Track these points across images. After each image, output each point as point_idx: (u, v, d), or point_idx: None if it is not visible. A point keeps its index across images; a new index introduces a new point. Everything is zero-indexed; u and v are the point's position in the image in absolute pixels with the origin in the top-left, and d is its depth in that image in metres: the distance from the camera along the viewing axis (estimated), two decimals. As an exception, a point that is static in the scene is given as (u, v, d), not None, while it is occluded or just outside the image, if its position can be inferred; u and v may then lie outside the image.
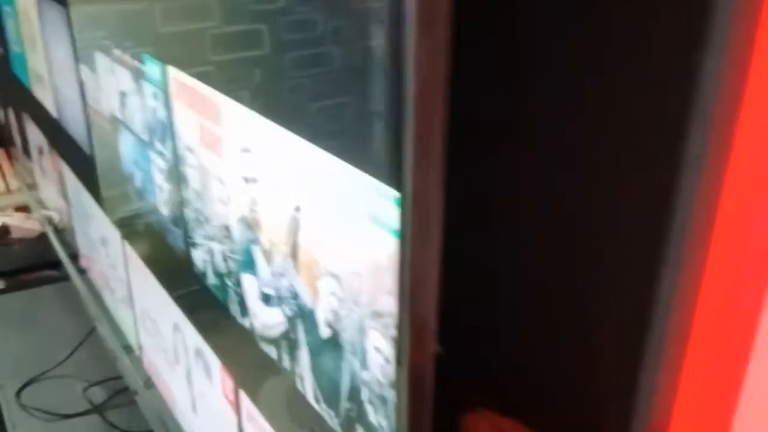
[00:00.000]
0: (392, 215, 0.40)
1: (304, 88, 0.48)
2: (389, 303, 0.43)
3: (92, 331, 1.68)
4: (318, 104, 0.47)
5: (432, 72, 0.35)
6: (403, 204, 0.39)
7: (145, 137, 0.81)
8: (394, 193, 0.39)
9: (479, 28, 0.46)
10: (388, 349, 0.44)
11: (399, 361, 0.43)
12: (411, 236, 0.39)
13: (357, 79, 0.41)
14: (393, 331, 0.43)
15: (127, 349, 1.27)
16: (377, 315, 0.44)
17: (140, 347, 1.15)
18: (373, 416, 0.48)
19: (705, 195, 0.38)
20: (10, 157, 2.42)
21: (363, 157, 0.42)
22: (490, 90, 0.49)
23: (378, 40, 0.38)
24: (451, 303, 0.42)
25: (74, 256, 1.64)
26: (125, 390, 1.57)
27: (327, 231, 0.47)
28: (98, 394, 1.64)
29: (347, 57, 0.43)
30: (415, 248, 0.39)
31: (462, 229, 0.43)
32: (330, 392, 0.53)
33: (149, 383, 1.17)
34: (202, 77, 0.62)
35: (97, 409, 1.59)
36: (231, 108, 0.57)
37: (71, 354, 1.71)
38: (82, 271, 1.57)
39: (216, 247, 0.68)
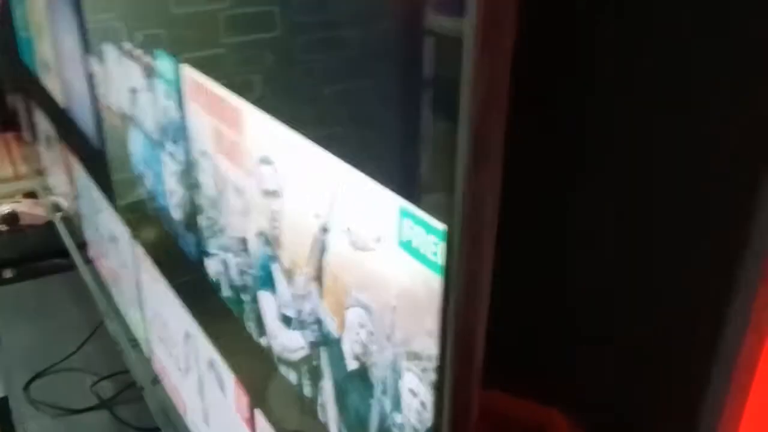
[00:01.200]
0: (436, 250, 0.35)
1: (344, 102, 0.43)
2: (428, 345, 0.38)
3: (101, 323, 1.65)
4: (358, 121, 0.42)
5: (492, 93, 0.30)
6: (450, 239, 0.34)
7: (156, 137, 0.76)
8: (440, 226, 0.35)
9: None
10: (426, 395, 0.39)
11: (438, 411, 0.38)
12: (458, 276, 0.34)
13: (405, 96, 0.36)
14: (432, 376, 0.38)
15: (134, 343, 1.24)
16: (414, 356, 0.39)
17: (150, 349, 1.11)
18: (406, 462, 0.43)
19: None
20: (19, 141, 2.38)
21: (406, 183, 0.37)
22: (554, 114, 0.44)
23: (432, 57, 0.33)
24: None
25: (81, 245, 1.60)
26: (134, 385, 1.54)
27: (358, 258, 0.43)
28: (107, 389, 1.60)
29: (394, 71, 0.38)
30: (462, 289, 0.35)
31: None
32: (356, 429, 0.49)
33: (156, 381, 1.13)
34: (222, 79, 0.57)
35: (106, 405, 1.56)
36: (253, 115, 0.52)
37: (80, 347, 1.68)
38: (89, 261, 1.54)
39: (231, 259, 0.64)
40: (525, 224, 0.43)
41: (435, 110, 0.34)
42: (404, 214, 0.37)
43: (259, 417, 0.68)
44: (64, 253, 1.97)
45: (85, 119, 1.11)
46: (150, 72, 0.73)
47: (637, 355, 0.44)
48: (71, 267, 1.98)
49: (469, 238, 0.33)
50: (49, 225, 2.00)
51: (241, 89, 0.53)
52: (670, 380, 0.42)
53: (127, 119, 0.86)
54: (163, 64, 0.68)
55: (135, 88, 0.79)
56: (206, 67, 0.59)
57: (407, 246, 0.37)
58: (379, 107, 0.39)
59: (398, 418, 0.43)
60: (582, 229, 0.46)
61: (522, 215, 0.38)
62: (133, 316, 1.18)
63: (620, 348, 0.45)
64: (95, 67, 0.96)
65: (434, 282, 0.36)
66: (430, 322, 0.37)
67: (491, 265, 0.34)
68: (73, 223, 1.63)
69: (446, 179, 0.34)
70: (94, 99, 1.00)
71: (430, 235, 0.35)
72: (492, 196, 0.33)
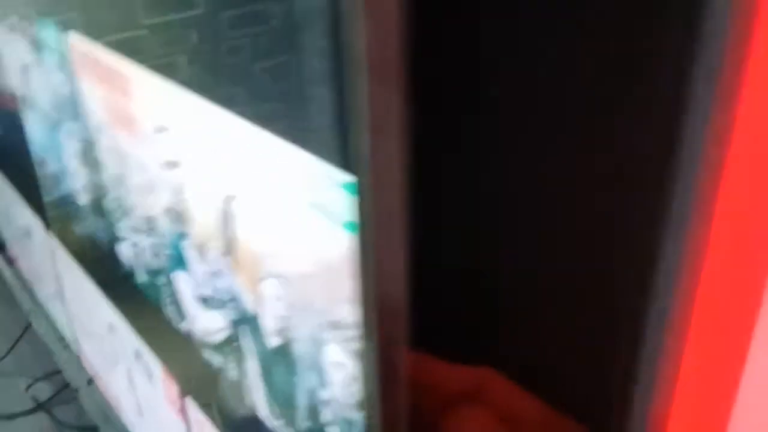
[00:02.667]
0: (345, 204, 0.32)
1: (234, 51, 0.38)
2: (348, 312, 0.34)
3: (30, 324, 1.56)
4: (250, 70, 0.37)
5: (387, 24, 0.26)
6: (359, 190, 0.31)
7: (53, 116, 0.70)
8: (347, 178, 0.31)
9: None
10: (352, 366, 0.36)
11: (366, 382, 0.35)
12: (371, 229, 0.31)
13: (298, 38, 0.32)
14: (355, 345, 0.35)
15: (63, 342, 1.17)
16: (335, 325, 0.36)
17: (78, 346, 1.05)
18: (339, 439, 0.40)
19: (702, 189, 0.30)
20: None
21: (306, 135, 0.33)
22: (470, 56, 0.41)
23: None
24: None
25: (1, 246, 1.51)
26: (71, 384, 1.47)
27: (266, 225, 0.39)
28: (43, 391, 1.53)
29: (286, 10, 0.34)
30: (378, 244, 0.31)
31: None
32: (285, 409, 0.45)
33: (90, 380, 1.08)
34: (105, 42, 0.51)
35: (44, 407, 1.49)
36: (141, 78, 0.47)
37: (11, 349, 1.60)
38: (11, 262, 1.45)
39: (141, 241, 0.59)
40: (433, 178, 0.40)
41: (333, 58, 0.30)
42: (310, 169, 0.33)
43: (191, 405, 0.64)
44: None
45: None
46: (37, 45, 0.66)
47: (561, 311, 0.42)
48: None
49: (379, 187, 0.30)
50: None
51: (128, 51, 0.48)
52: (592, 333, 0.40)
53: (22, 101, 0.79)
54: (49, 34, 0.62)
55: (26, 66, 0.73)
56: (92, 31, 0.54)
57: (320, 205, 0.34)
58: (271, 56, 0.35)
59: (326, 394, 0.39)
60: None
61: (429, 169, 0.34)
62: (57, 314, 1.11)
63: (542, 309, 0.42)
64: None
65: (348, 241, 0.32)
66: (348, 286, 0.34)
67: (405, 217, 0.31)
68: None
69: (351, 128, 0.30)
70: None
71: (340, 190, 0.32)
72: (397, 138, 0.29)
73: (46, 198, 0.88)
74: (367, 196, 0.30)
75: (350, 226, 0.32)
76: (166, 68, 0.44)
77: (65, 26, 0.59)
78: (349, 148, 0.30)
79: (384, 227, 0.31)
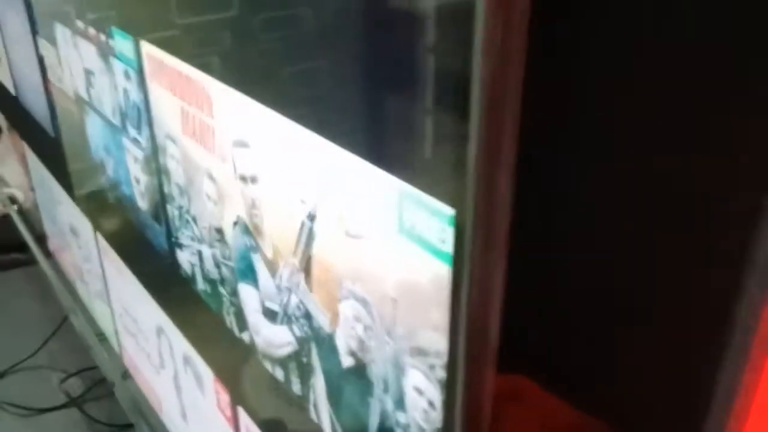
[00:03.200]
0: (445, 237, 0.32)
1: (327, 75, 0.39)
2: (435, 340, 0.35)
3: (65, 318, 1.58)
4: (347, 95, 0.38)
5: (508, 59, 0.26)
6: (460, 224, 0.31)
7: (116, 121, 0.71)
8: (448, 211, 0.31)
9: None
10: (434, 393, 0.36)
11: (448, 410, 0.35)
12: (471, 264, 0.31)
13: (404, 69, 0.33)
14: (441, 374, 0.35)
15: (101, 337, 1.19)
16: (419, 351, 0.36)
17: (119, 344, 1.06)
18: (411, 463, 0.40)
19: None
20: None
21: (407, 165, 0.34)
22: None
23: (436, 21, 0.29)
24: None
25: (41, 239, 1.53)
26: (103, 380, 1.49)
27: (352, 247, 0.39)
28: (76, 386, 1.55)
29: (389, 39, 0.34)
30: (475, 278, 0.31)
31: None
32: (352, 427, 0.46)
33: (127, 376, 1.09)
34: (188, 57, 0.52)
35: (76, 402, 1.51)
36: (226, 95, 0.48)
37: (44, 344, 1.62)
38: (49, 255, 1.47)
39: (206, 250, 0.59)
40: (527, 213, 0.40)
41: (440, 84, 0.30)
42: (405, 197, 0.34)
43: (243, 415, 0.64)
44: (23, 247, 1.90)
45: (37, 106, 1.04)
46: (106, 52, 0.67)
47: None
48: (30, 262, 1.90)
49: (483, 222, 0.30)
50: (5, 219, 1.91)
51: (211, 67, 0.49)
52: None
53: (83, 104, 0.80)
54: (121, 43, 0.63)
55: (91, 71, 0.74)
56: (171, 44, 0.54)
57: (409, 233, 0.34)
58: (373, 83, 0.36)
59: (402, 418, 0.39)
60: (581, 222, 0.43)
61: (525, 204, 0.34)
62: (99, 311, 1.13)
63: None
64: (45, 49, 0.90)
65: (441, 271, 0.33)
66: (438, 315, 0.34)
67: (505, 251, 0.31)
68: (30, 215, 1.56)
69: (454, 159, 0.30)
70: (46, 84, 0.94)
71: (436, 220, 0.32)
72: (506, 176, 0.29)
73: (99, 199, 0.89)
74: (469, 230, 0.30)
75: (445, 256, 0.32)
76: (259, 88, 0.44)
77: (140, 36, 0.60)
78: (453, 181, 0.31)
79: (483, 261, 0.31)
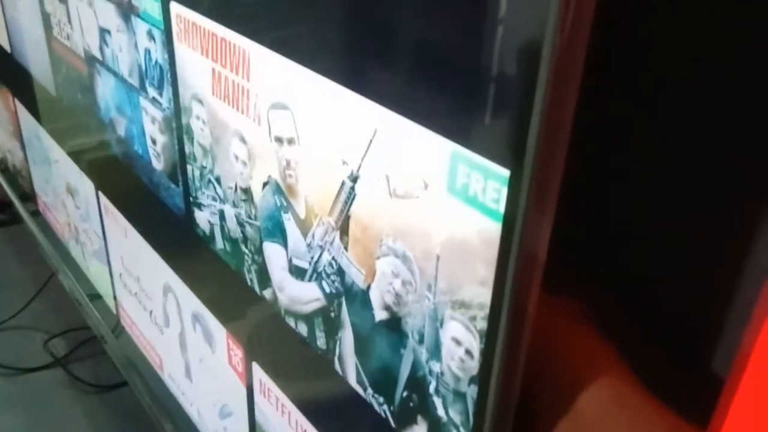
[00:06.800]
0: (498, 198, 0.34)
1: (376, 36, 0.41)
2: (480, 294, 0.37)
3: (50, 278, 1.58)
4: (395, 58, 0.40)
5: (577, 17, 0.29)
6: (514, 186, 0.33)
7: (133, 81, 0.72)
8: (503, 172, 0.34)
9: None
10: (473, 343, 0.39)
11: (486, 358, 0.38)
12: (524, 224, 0.33)
13: (455, 22, 0.35)
14: (482, 325, 0.38)
15: (93, 297, 1.20)
16: (461, 305, 0.39)
17: (117, 303, 1.08)
18: (442, 410, 0.43)
19: None
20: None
21: (459, 127, 0.36)
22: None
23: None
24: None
25: (24, 197, 1.52)
26: (89, 341, 1.50)
27: (395, 206, 0.41)
28: (60, 347, 1.56)
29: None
30: (526, 238, 0.34)
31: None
32: (380, 379, 0.48)
33: (120, 332, 1.10)
34: (223, 18, 0.53)
35: (60, 362, 1.52)
36: (266, 57, 0.49)
37: (28, 303, 1.62)
38: (36, 214, 1.46)
39: (228, 210, 0.61)
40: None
41: (504, 47, 0.32)
42: (458, 159, 0.36)
43: (257, 370, 0.67)
44: (2, 207, 1.88)
45: (37, 64, 1.04)
46: (127, 11, 0.68)
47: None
48: (10, 222, 1.89)
49: (538, 184, 0.32)
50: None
51: (251, 30, 0.50)
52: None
53: (94, 63, 0.81)
54: (146, 2, 0.64)
55: (106, 29, 0.74)
56: (204, 5, 0.56)
57: (459, 192, 0.36)
58: (425, 43, 0.38)
59: (436, 367, 0.42)
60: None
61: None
62: (95, 271, 1.14)
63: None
64: (51, 5, 0.89)
65: (492, 229, 0.35)
66: (484, 270, 0.36)
67: (554, 211, 0.34)
68: (16, 175, 1.55)
69: (512, 122, 0.32)
70: (50, 41, 0.94)
71: (490, 181, 0.34)
72: (563, 142, 0.32)
73: (105, 159, 0.90)
74: (524, 192, 0.33)
75: (496, 215, 0.35)
76: (302, 50, 0.46)
77: (166, -3, 0.60)
78: (509, 143, 0.33)
79: (533, 221, 0.34)
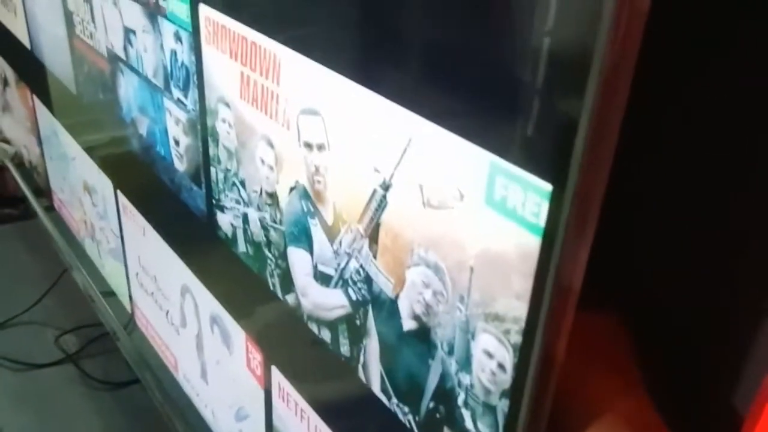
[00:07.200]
0: (538, 212, 0.34)
1: (413, 42, 0.40)
2: (515, 307, 0.37)
3: (62, 274, 1.58)
4: (433, 67, 0.39)
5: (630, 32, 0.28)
6: (556, 201, 0.33)
7: (158, 82, 0.72)
8: (546, 186, 0.33)
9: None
10: (506, 357, 0.38)
11: (519, 372, 0.38)
12: (564, 239, 0.33)
13: (500, 33, 0.34)
14: (516, 339, 0.37)
15: (106, 294, 1.20)
16: (494, 317, 0.38)
17: (132, 302, 1.08)
18: (470, 422, 0.43)
19: None
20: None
21: (500, 139, 0.36)
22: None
23: None
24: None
25: (38, 192, 1.52)
26: (101, 338, 1.50)
27: (429, 216, 0.41)
28: (71, 343, 1.56)
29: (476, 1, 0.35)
30: (566, 253, 0.33)
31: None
32: (407, 388, 0.48)
33: (133, 330, 1.10)
34: (253, 21, 0.53)
35: (71, 359, 1.52)
36: (297, 62, 0.49)
37: (40, 299, 1.62)
38: (49, 209, 1.47)
39: (252, 213, 0.61)
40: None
41: (551, 61, 0.32)
42: (497, 171, 0.36)
43: (277, 374, 0.66)
44: (15, 202, 1.88)
45: (58, 61, 1.04)
46: (154, 12, 0.68)
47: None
48: (23, 217, 1.89)
49: (581, 200, 0.32)
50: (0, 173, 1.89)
51: (282, 34, 0.50)
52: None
53: (117, 62, 0.81)
54: (174, 3, 0.64)
55: (131, 29, 0.74)
56: (234, 8, 0.55)
57: (498, 205, 0.36)
58: (466, 52, 0.37)
59: (466, 380, 0.42)
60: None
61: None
62: (110, 268, 1.14)
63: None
64: (75, 4, 0.89)
65: (530, 243, 0.35)
66: (521, 284, 0.36)
67: (595, 226, 0.33)
68: (32, 170, 1.55)
69: (557, 136, 0.32)
70: (73, 39, 0.94)
71: (531, 195, 0.34)
72: (608, 158, 0.32)
73: (125, 158, 0.90)
74: (566, 207, 0.33)
75: (536, 229, 0.34)
76: (335, 56, 0.46)
77: (194, -1, 0.60)
78: (553, 158, 0.33)
79: (574, 236, 0.33)
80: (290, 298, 0.59)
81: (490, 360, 0.40)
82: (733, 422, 0.42)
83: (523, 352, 0.37)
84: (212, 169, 0.66)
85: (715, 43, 0.40)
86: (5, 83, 1.50)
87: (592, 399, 0.41)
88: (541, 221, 0.34)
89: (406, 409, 0.49)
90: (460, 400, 0.43)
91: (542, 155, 0.33)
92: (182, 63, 0.65)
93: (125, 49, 0.77)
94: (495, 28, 0.35)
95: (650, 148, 0.44)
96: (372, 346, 0.50)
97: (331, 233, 0.51)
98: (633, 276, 0.46)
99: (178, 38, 0.65)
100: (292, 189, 0.54)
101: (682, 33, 0.40)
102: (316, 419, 0.62)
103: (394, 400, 0.50)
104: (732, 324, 0.43)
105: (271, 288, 0.61)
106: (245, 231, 0.63)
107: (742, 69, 0.39)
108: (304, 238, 0.54)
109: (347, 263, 0.50)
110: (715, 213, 0.43)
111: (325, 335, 0.56)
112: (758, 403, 0.34)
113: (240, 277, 0.66)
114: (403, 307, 0.45)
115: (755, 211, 0.41)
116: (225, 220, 0.67)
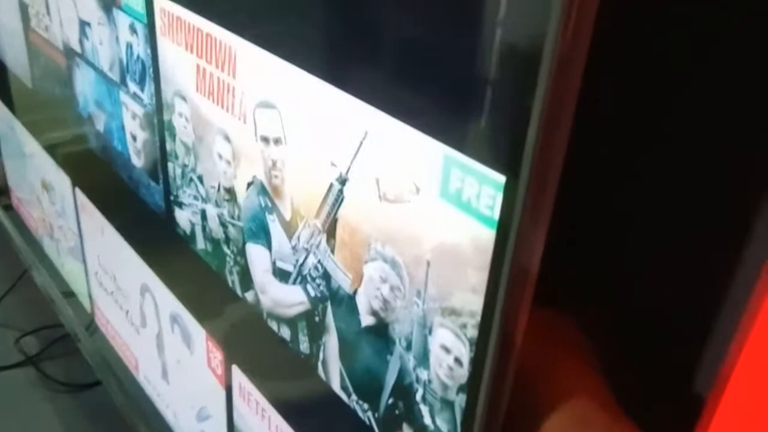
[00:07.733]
0: (492, 204, 0.33)
1: (367, 34, 0.40)
2: (471, 301, 0.37)
3: (23, 275, 1.55)
4: (389, 57, 0.39)
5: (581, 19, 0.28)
6: (510, 192, 0.33)
7: (114, 76, 0.70)
8: (499, 178, 0.33)
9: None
10: (463, 351, 0.38)
11: (476, 366, 0.37)
12: (519, 231, 0.33)
13: (450, 23, 0.34)
14: (473, 333, 0.37)
15: (67, 294, 1.17)
16: (452, 312, 0.38)
17: (91, 302, 1.05)
18: (429, 418, 0.42)
19: None
20: None
21: (454, 131, 0.35)
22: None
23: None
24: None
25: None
26: (62, 339, 1.46)
27: (385, 210, 0.41)
28: (32, 345, 1.52)
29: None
30: (520, 246, 0.33)
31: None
32: (365, 385, 0.47)
33: (94, 331, 1.08)
34: (209, 13, 0.52)
35: (32, 361, 1.48)
36: (253, 55, 0.48)
37: (0, 300, 1.58)
38: (8, 208, 1.43)
39: (211, 209, 0.60)
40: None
41: (503, 50, 0.32)
42: (451, 164, 0.35)
43: (237, 373, 0.65)
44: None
45: (13, 56, 1.01)
46: (109, 4, 0.66)
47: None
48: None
49: (535, 192, 0.32)
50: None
51: (238, 26, 0.49)
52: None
53: (73, 56, 0.79)
54: (129, -5, 0.62)
55: (87, 21, 0.73)
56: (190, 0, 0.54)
57: (454, 198, 0.36)
58: (420, 44, 0.37)
59: (424, 375, 0.41)
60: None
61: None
62: (69, 268, 1.11)
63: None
64: (30, -3, 0.87)
65: (485, 236, 0.34)
66: (476, 277, 0.36)
67: (549, 219, 0.33)
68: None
69: (510, 128, 0.32)
70: (28, 32, 0.91)
71: (485, 187, 0.34)
72: (561, 149, 0.31)
73: (82, 155, 0.88)
74: (520, 198, 0.32)
75: (490, 222, 0.34)
76: (291, 48, 0.45)
77: (150, -10, 0.59)
78: (506, 149, 0.32)
79: (529, 228, 0.33)
80: (250, 296, 0.58)
81: (447, 355, 0.39)
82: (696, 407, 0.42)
83: (479, 347, 0.37)
84: (170, 165, 0.64)
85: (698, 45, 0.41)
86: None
87: (555, 378, 0.41)
88: (495, 214, 0.34)
89: (366, 406, 0.48)
90: (419, 396, 0.42)
91: (496, 147, 0.33)
92: (138, 56, 0.64)
93: (81, 42, 0.75)
94: (448, 20, 0.35)
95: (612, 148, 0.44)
96: (331, 343, 0.50)
97: (289, 229, 0.50)
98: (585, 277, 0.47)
99: (133, 30, 0.63)
100: (249, 184, 0.53)
101: (675, 33, 0.40)
102: (277, 418, 0.61)
103: (354, 397, 0.49)
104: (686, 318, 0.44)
105: (231, 285, 0.60)
106: (204, 227, 0.62)
107: (738, 69, 0.40)
108: (263, 234, 0.53)
109: (305, 259, 0.49)
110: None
111: (285, 333, 0.55)
112: (714, 395, 0.33)
113: (199, 274, 0.65)
114: (361, 302, 0.45)
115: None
116: (183, 217, 0.65)
